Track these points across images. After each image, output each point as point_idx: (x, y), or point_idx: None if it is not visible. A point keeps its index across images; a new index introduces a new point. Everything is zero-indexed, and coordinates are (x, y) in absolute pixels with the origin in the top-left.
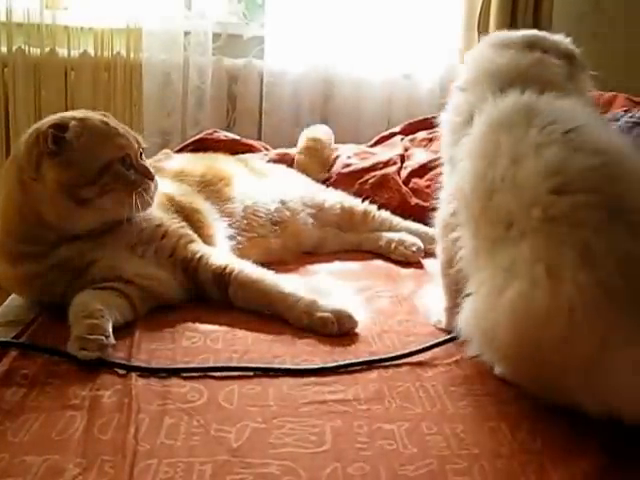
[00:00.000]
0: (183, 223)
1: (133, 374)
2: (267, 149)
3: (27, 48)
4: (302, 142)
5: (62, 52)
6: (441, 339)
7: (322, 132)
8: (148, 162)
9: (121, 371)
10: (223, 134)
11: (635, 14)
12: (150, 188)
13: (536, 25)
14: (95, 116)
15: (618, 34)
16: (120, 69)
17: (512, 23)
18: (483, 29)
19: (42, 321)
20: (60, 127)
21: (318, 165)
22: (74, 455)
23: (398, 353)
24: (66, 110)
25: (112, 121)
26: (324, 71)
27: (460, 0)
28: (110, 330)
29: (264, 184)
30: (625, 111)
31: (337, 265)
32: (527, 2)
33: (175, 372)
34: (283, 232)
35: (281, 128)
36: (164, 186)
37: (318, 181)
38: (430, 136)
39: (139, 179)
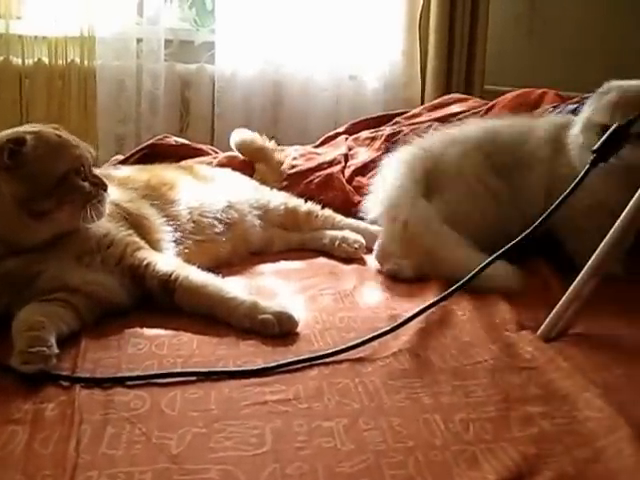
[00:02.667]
0: (130, 230)
1: (77, 385)
2: (216, 152)
3: None
4: (249, 153)
5: (16, 61)
6: (379, 332)
7: (259, 138)
8: (99, 172)
9: (65, 383)
10: (173, 139)
11: (568, 14)
12: (104, 199)
13: (474, 26)
14: (48, 129)
15: (552, 33)
16: (74, 77)
17: (451, 24)
18: (423, 30)
19: None
20: (17, 141)
21: (275, 173)
22: (14, 471)
23: (336, 349)
24: (21, 118)
25: (64, 133)
26: (273, 74)
27: (401, 3)
28: (53, 340)
29: (209, 187)
30: (554, 107)
31: (282, 265)
32: (464, 4)
33: (119, 381)
34: (232, 234)
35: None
36: (111, 193)
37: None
38: (373, 135)
39: (94, 190)
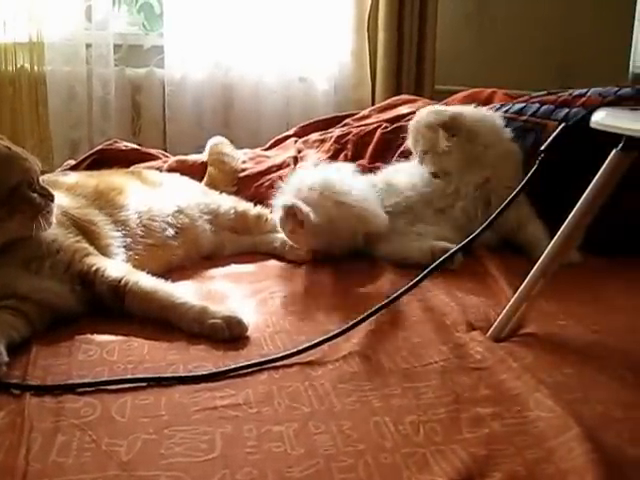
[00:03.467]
0: (78, 237)
1: (27, 393)
2: (166, 156)
3: None
4: (211, 155)
5: None
6: (329, 335)
7: (229, 146)
8: (45, 177)
9: (16, 391)
10: (123, 144)
11: (516, 15)
12: (52, 209)
13: (423, 25)
14: None
15: (500, 34)
16: (25, 83)
17: (400, 23)
18: (372, 30)
19: None
20: None
21: (227, 178)
22: None
23: (286, 352)
24: None
25: (11, 144)
26: (223, 77)
27: (349, 3)
28: (2, 348)
29: (158, 192)
30: (502, 105)
31: (233, 268)
32: (413, 3)
33: (69, 388)
34: (183, 239)
35: (185, 134)
36: (59, 199)
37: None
38: (322, 137)
39: (43, 202)
